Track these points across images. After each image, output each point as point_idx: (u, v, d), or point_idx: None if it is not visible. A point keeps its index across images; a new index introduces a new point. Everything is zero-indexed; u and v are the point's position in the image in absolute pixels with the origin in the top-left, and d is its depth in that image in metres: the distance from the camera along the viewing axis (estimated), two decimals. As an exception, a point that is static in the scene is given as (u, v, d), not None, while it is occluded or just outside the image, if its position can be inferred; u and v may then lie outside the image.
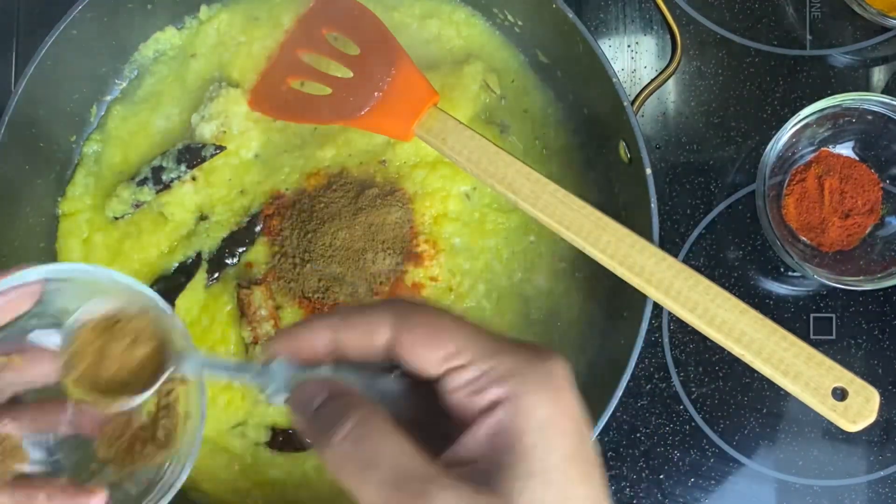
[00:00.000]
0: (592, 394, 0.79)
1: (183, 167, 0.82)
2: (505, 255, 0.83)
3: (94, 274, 0.49)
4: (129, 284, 0.49)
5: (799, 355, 0.61)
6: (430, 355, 0.43)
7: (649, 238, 0.70)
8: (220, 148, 0.83)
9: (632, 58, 0.91)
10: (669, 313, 0.82)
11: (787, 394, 0.62)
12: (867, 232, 0.84)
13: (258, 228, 0.83)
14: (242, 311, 0.81)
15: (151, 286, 0.81)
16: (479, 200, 0.84)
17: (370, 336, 0.45)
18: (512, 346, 0.43)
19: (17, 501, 0.50)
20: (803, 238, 0.84)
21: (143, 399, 0.48)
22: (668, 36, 0.91)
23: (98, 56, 0.84)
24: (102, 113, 0.87)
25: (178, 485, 0.49)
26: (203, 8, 0.87)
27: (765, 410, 0.87)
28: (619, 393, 0.72)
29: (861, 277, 0.81)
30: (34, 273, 0.47)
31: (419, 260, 0.82)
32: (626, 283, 0.67)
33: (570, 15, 0.76)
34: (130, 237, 0.83)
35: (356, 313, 0.45)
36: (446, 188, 0.83)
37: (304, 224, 0.82)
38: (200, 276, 0.83)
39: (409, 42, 0.83)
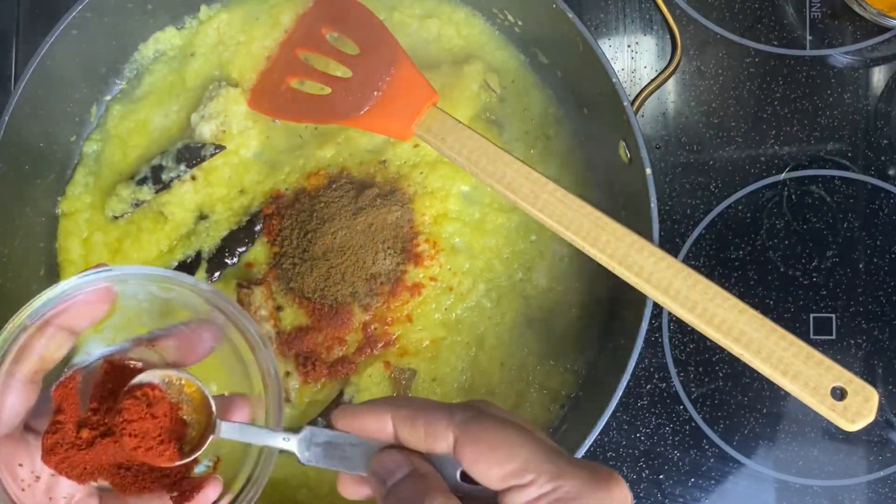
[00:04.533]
0: (592, 394, 0.79)
1: (182, 166, 0.82)
2: (505, 255, 0.83)
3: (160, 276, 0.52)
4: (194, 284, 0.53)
5: (798, 354, 0.61)
6: (491, 471, 0.45)
7: (649, 238, 0.70)
8: (220, 147, 0.83)
9: (632, 58, 0.91)
10: (669, 313, 0.82)
11: (786, 394, 0.62)
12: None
13: (258, 228, 0.83)
14: (242, 311, 0.81)
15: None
16: (479, 200, 0.84)
17: (432, 441, 0.47)
18: (574, 466, 0.45)
19: None
20: None
21: (187, 461, 0.52)
22: (668, 36, 0.91)
23: (98, 56, 0.84)
24: (102, 112, 0.87)
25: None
26: (203, 8, 0.87)
27: (765, 410, 0.87)
28: (619, 393, 0.72)
29: None
30: (102, 276, 0.51)
31: (419, 260, 0.82)
32: (625, 282, 0.67)
33: (570, 15, 0.76)
34: (130, 236, 0.83)
35: (421, 415, 0.47)
36: (446, 188, 0.83)
37: (304, 224, 0.82)
38: (200, 275, 0.83)
39: (409, 42, 0.83)
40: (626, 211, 0.79)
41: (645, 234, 0.68)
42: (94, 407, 0.51)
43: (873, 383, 0.61)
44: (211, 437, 0.51)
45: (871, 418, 0.60)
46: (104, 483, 0.53)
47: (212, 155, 0.83)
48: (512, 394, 0.82)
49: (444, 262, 0.82)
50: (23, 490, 0.51)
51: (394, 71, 0.75)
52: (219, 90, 0.83)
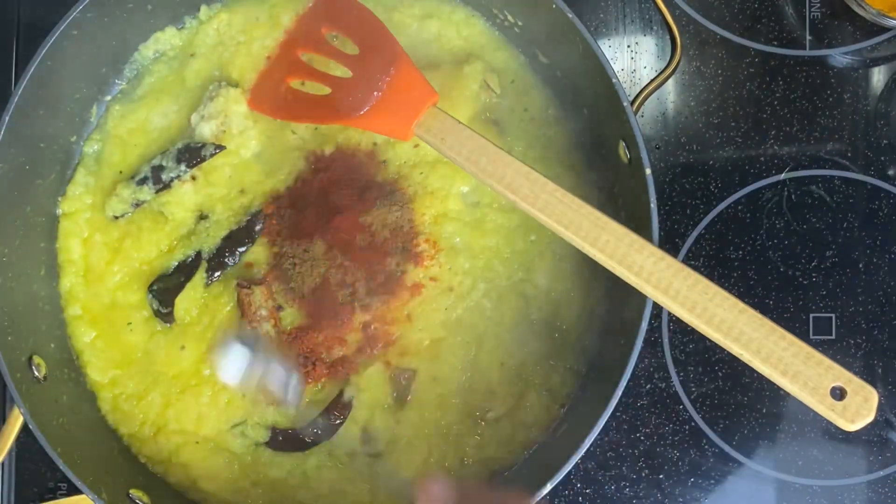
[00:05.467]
0: (592, 394, 0.79)
1: (183, 166, 0.82)
2: (505, 255, 0.83)
3: None
4: None
5: (798, 354, 0.61)
6: None
7: (649, 238, 0.70)
8: (220, 147, 0.83)
9: (632, 58, 0.91)
10: (669, 313, 0.82)
11: (786, 393, 0.62)
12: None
13: (258, 228, 0.83)
14: (242, 311, 0.81)
15: (151, 285, 0.82)
16: (479, 200, 0.84)
17: None
18: None
19: None
20: None
21: None
22: (668, 36, 0.91)
23: (98, 56, 0.84)
24: (102, 112, 0.87)
25: None
26: (203, 8, 0.87)
27: (764, 410, 0.87)
28: (619, 393, 0.72)
29: None
30: None
31: (419, 260, 0.82)
32: (625, 282, 0.67)
33: (570, 15, 0.76)
34: (130, 236, 0.84)
35: None
36: (446, 188, 0.83)
37: (304, 224, 0.82)
38: (200, 275, 0.83)
39: (409, 42, 0.83)
40: (626, 211, 0.79)
41: (645, 234, 0.68)
42: None
43: (873, 383, 0.61)
44: None
45: (870, 418, 0.60)
46: None
47: (212, 155, 0.83)
48: (512, 394, 0.82)
49: (444, 262, 0.82)
50: None
51: (394, 71, 0.75)
52: (219, 90, 0.83)
